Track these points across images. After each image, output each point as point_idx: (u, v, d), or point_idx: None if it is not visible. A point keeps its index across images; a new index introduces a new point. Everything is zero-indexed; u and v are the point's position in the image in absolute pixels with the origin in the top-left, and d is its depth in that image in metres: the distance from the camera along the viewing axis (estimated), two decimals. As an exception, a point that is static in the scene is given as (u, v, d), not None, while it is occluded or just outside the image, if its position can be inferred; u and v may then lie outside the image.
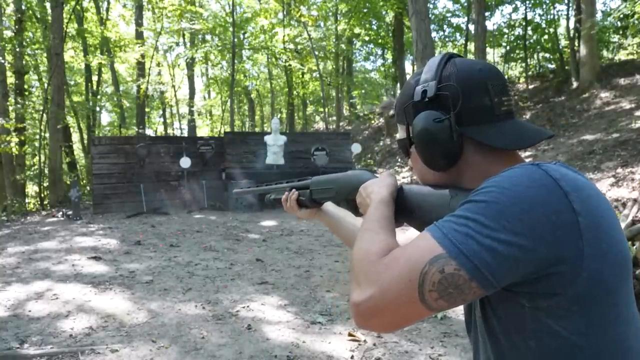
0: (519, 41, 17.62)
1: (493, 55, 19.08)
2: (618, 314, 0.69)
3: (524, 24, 17.03)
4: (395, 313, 0.68)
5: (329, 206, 1.21)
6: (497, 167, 0.77)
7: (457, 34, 20.81)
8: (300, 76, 21.94)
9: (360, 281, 0.72)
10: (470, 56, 18.79)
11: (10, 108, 12.75)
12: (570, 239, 0.64)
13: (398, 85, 19.94)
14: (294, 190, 1.21)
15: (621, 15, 13.04)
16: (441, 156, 0.81)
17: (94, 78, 19.88)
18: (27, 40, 14.39)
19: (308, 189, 1.17)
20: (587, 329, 0.67)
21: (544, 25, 17.49)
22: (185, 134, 22.36)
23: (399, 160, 14.89)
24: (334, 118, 21.60)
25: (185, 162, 9.62)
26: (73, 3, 14.88)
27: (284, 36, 17.38)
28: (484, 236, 0.64)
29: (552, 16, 17.51)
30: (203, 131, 27.45)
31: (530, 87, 15.82)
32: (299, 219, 1.07)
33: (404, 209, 0.90)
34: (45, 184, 13.32)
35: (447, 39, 21.48)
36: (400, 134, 0.90)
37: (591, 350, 0.68)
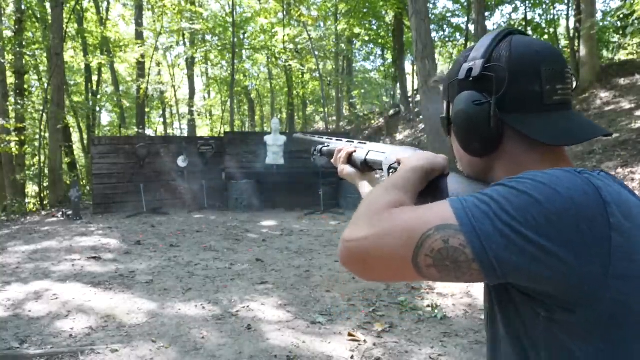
0: (519, 41, 17.59)
1: (493, 55, 19.03)
2: None
3: (524, 24, 17.03)
4: (380, 263, 0.65)
5: (373, 176, 1.17)
6: (537, 165, 0.70)
7: (457, 34, 20.82)
8: (300, 76, 21.95)
9: (359, 222, 0.69)
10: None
11: (10, 108, 12.75)
12: (597, 253, 0.58)
13: (398, 85, 19.94)
14: (353, 144, 1.17)
15: (621, 15, 13.03)
16: (477, 141, 0.75)
17: (94, 78, 19.88)
18: (27, 40, 14.38)
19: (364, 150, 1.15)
20: (606, 356, 0.61)
21: (544, 25, 17.49)
22: (185, 134, 22.36)
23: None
24: (334, 118, 21.59)
25: (184, 162, 9.62)
26: (73, 3, 14.88)
27: (284, 36, 17.38)
28: (503, 222, 0.59)
29: (552, 16, 17.51)
30: (203, 131, 27.44)
31: (530, 87, 15.78)
32: (339, 175, 1.19)
33: (438, 193, 0.84)
34: (45, 184, 13.32)
35: (447, 39, 21.48)
36: (442, 111, 0.84)
37: None
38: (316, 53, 17.65)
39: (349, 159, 1.16)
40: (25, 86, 14.39)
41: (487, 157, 0.76)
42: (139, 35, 17.73)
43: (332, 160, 1.21)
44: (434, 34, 17.63)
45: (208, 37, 19.62)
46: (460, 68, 0.77)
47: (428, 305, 3.92)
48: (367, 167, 1.13)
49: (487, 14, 15.02)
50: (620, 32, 15.29)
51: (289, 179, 10.08)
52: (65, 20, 13.60)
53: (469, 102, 0.74)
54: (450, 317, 3.70)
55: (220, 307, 3.94)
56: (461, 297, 4.15)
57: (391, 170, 0.98)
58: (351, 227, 0.69)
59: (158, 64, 20.48)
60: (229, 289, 4.42)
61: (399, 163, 0.93)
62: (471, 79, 0.74)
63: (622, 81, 12.11)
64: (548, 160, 0.72)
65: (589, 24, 11.35)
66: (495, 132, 0.73)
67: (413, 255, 0.62)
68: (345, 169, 1.16)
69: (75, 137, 20.52)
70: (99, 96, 19.72)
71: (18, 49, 12.68)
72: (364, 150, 1.13)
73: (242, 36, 21.14)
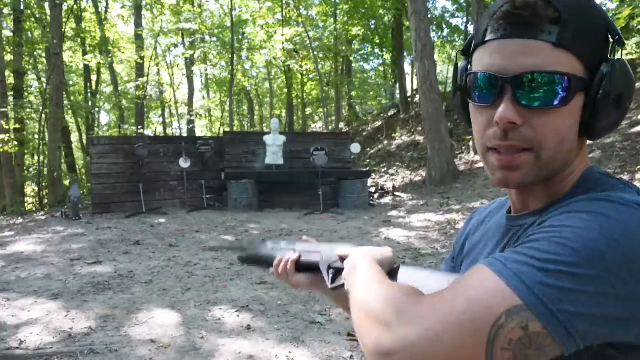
0: (518, 41, 17.59)
1: (492, 55, 19.05)
2: None
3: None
4: None
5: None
6: (585, 162, 0.65)
7: (456, 35, 20.84)
8: (299, 77, 21.97)
9: (388, 320, 0.52)
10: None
11: (9, 108, 12.74)
12: None
13: (397, 85, 19.97)
14: (298, 251, 0.90)
15: (613, 17, 13.04)
16: (616, 119, 0.60)
17: (93, 78, 19.88)
18: (26, 40, 14.37)
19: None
20: None
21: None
22: (185, 134, 22.37)
23: (398, 160, 14.90)
24: (333, 118, 21.62)
25: (184, 162, 9.61)
26: (71, 2, 14.86)
27: (283, 35, 17.39)
28: (585, 295, 0.48)
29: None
30: (202, 131, 27.45)
31: (530, 87, 15.78)
32: (294, 287, 0.90)
33: None
34: (45, 184, 13.31)
35: (445, 39, 21.51)
36: (560, 65, 0.57)
37: None
38: (315, 53, 17.66)
39: (298, 267, 0.89)
40: (24, 86, 14.39)
41: (582, 143, 0.64)
42: (138, 37, 17.74)
43: (276, 275, 0.94)
44: (433, 35, 17.62)
45: (207, 37, 19.64)
46: (606, 23, 0.60)
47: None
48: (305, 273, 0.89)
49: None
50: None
51: (288, 179, 10.08)
52: (64, 20, 13.58)
53: (631, 71, 0.60)
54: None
55: (219, 306, 3.94)
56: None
57: (331, 271, 0.80)
58: (377, 331, 0.53)
59: (157, 64, 20.49)
60: (229, 289, 4.42)
61: (341, 259, 0.77)
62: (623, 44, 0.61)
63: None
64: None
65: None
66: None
67: (487, 353, 0.49)
68: (295, 279, 0.89)
69: (74, 137, 20.52)
70: (98, 96, 19.72)
71: (17, 49, 12.68)
72: (295, 253, 0.90)
73: (240, 36, 21.15)
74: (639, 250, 0.49)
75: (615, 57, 0.59)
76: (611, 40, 0.60)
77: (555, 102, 0.57)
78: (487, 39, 0.60)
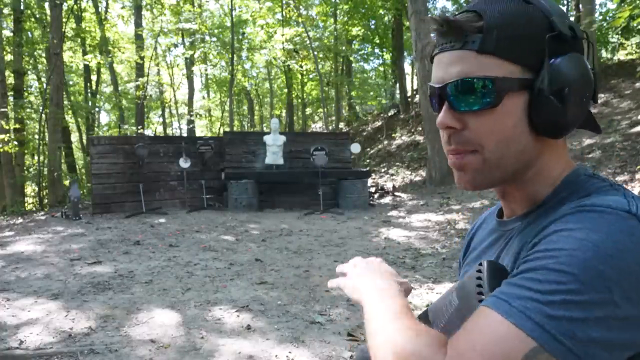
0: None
1: (492, 55, 19.05)
2: None
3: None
4: None
5: None
6: (564, 163, 0.65)
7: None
8: (299, 77, 21.97)
9: None
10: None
11: (9, 108, 12.74)
12: None
13: (397, 85, 19.97)
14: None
15: (613, 17, 13.01)
16: (573, 117, 0.60)
17: (93, 78, 19.87)
18: (26, 40, 14.37)
19: None
20: None
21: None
22: (185, 134, 22.37)
23: (398, 160, 14.90)
24: (333, 118, 21.62)
25: (184, 162, 9.61)
26: (71, 2, 14.86)
27: (283, 35, 17.40)
28: (594, 321, 0.47)
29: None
30: (202, 131, 27.45)
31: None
32: None
33: None
34: (45, 184, 13.31)
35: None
36: (485, 70, 0.59)
37: None
38: (315, 53, 17.65)
39: None
40: (24, 86, 14.39)
41: (548, 142, 0.64)
42: (138, 36, 17.74)
43: None
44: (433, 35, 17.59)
45: (207, 37, 19.66)
46: (549, 22, 0.60)
47: (427, 305, 3.92)
48: None
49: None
50: (619, 33, 15.31)
51: (288, 178, 10.08)
52: (64, 20, 13.58)
53: (587, 68, 0.60)
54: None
55: (219, 306, 3.94)
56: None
57: None
58: None
59: (157, 64, 20.49)
60: (228, 289, 4.42)
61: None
62: (574, 40, 0.61)
63: (621, 82, 12.12)
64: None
65: (587, 20, 11.30)
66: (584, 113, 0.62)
67: None
68: None
69: (74, 137, 20.53)
70: (98, 96, 19.72)
71: (17, 49, 12.68)
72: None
73: (240, 36, 21.16)
74: (633, 263, 0.49)
75: (568, 54, 0.59)
76: (578, 38, 0.61)
77: (482, 104, 0.60)
78: (433, 54, 0.68)
